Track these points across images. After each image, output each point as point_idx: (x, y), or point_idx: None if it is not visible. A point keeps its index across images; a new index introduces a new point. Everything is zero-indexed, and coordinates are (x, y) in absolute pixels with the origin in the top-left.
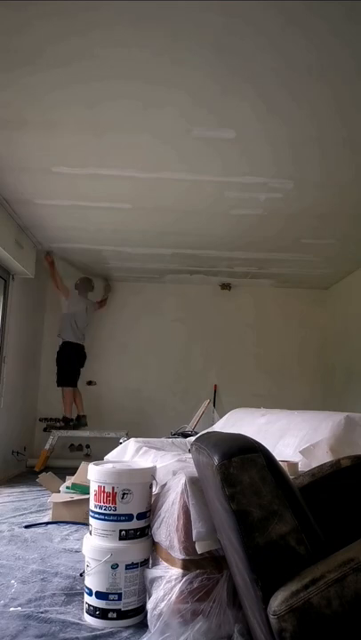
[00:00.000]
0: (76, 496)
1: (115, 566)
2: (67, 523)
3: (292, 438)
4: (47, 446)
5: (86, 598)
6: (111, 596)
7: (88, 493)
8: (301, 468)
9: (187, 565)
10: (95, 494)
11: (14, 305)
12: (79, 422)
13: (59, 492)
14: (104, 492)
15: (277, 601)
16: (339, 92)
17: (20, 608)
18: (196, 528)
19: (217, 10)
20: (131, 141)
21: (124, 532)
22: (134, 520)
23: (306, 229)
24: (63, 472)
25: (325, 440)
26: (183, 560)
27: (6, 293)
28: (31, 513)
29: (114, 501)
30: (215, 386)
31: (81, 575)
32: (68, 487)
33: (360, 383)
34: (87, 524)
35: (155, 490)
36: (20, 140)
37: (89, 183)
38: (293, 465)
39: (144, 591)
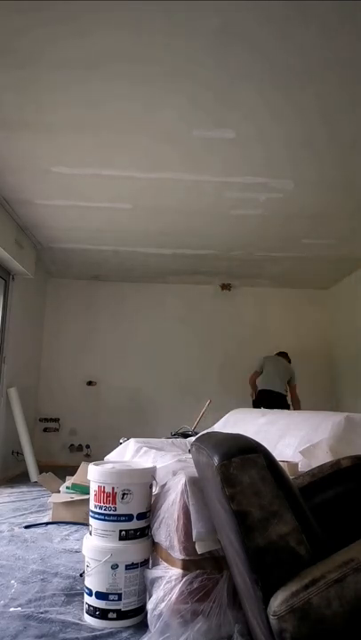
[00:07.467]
0: (76, 496)
1: (115, 566)
2: (67, 523)
3: (293, 438)
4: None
5: (86, 598)
6: (111, 597)
7: (88, 493)
8: (301, 468)
9: (187, 566)
10: (95, 494)
11: (14, 305)
12: None
13: (59, 492)
14: (104, 492)
15: (277, 601)
16: (340, 92)
17: (20, 608)
18: (196, 528)
19: (216, 8)
20: (131, 141)
21: (124, 533)
22: (134, 520)
23: (306, 229)
24: (63, 472)
25: (325, 440)
26: (183, 560)
27: (6, 293)
28: (31, 513)
29: (114, 501)
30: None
31: (81, 575)
32: (68, 487)
33: (360, 383)
34: (87, 525)
35: (155, 490)
36: (20, 140)
37: (89, 183)
38: (293, 465)
39: (144, 591)
